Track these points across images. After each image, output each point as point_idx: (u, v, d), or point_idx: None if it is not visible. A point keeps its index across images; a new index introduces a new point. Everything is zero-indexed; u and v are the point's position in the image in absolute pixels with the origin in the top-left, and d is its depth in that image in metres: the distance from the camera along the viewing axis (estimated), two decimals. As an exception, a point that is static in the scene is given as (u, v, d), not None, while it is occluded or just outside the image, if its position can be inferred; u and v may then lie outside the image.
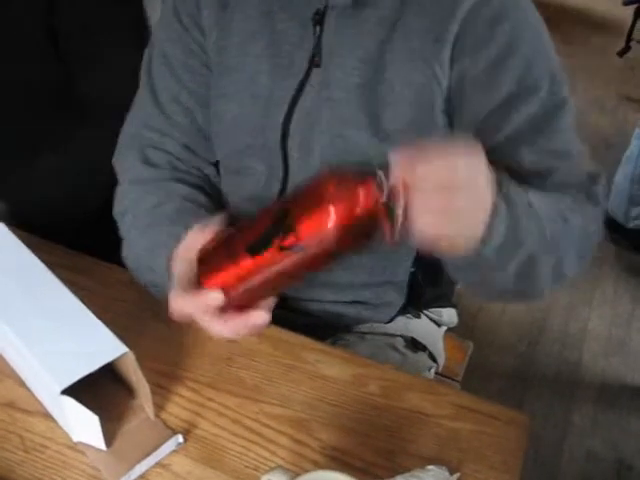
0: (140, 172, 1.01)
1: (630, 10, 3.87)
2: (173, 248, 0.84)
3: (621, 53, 3.90)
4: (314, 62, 0.93)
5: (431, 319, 1.16)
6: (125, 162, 1.05)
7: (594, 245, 0.93)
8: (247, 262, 0.72)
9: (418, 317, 1.13)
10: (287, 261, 0.69)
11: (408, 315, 1.12)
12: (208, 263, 0.76)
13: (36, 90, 1.26)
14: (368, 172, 0.68)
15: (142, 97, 1.05)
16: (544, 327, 2.27)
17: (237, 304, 0.75)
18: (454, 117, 0.92)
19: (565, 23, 4.32)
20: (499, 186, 0.74)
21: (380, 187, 0.66)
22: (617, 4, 4.08)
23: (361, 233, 0.68)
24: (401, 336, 1.11)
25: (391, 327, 1.11)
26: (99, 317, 0.84)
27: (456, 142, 0.68)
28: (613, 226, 2.63)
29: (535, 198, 0.83)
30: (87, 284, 0.97)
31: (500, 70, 0.88)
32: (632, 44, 3.87)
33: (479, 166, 0.69)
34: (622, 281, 2.48)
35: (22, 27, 1.23)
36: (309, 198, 0.68)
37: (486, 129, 0.90)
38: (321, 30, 0.92)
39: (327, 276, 1.03)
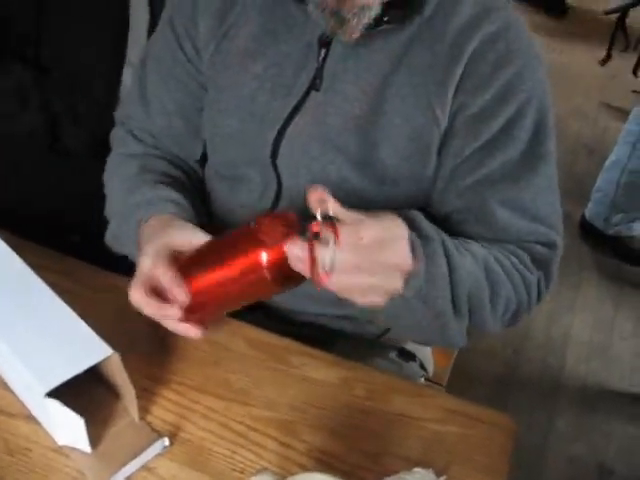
0: (129, 145, 1.05)
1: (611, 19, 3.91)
2: (146, 212, 0.90)
3: (603, 62, 3.94)
4: (314, 85, 0.92)
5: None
6: (116, 136, 1.09)
7: (524, 309, 0.94)
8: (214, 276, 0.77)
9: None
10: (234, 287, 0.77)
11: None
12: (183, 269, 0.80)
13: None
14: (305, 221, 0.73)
15: (133, 92, 1.07)
16: (527, 333, 2.28)
17: (195, 310, 0.80)
18: (441, 156, 0.92)
19: (546, 31, 4.36)
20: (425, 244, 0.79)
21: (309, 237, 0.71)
22: (598, 13, 4.13)
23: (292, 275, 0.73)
24: (392, 347, 1.11)
25: (382, 339, 1.11)
26: (85, 320, 0.83)
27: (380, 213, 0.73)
28: (592, 233, 2.64)
29: (472, 255, 0.86)
30: (72, 287, 0.96)
31: (492, 114, 0.89)
32: (613, 53, 3.90)
33: (401, 232, 0.73)
34: (603, 287, 2.50)
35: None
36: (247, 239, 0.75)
37: (462, 170, 0.91)
38: (326, 54, 0.91)
39: (314, 290, 1.02)
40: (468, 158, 0.91)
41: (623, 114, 3.48)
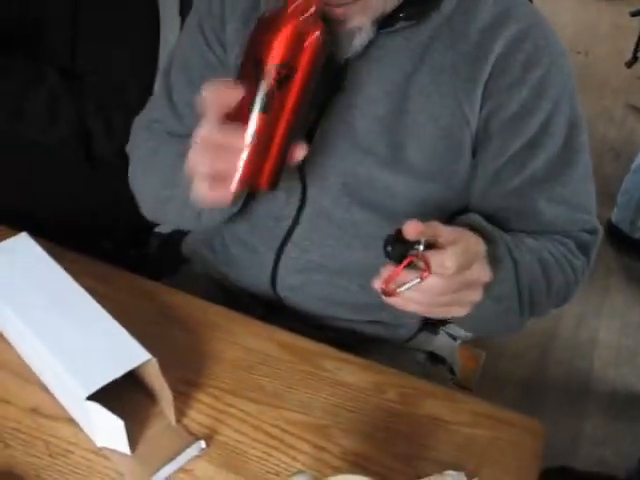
0: (163, 138, 1.05)
1: (637, 21, 3.88)
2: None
3: (629, 64, 3.91)
4: (338, 87, 0.93)
5: (448, 334, 1.17)
6: (134, 141, 1.10)
7: (572, 293, 1.00)
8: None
9: (436, 333, 1.15)
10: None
11: (426, 332, 1.13)
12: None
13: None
14: None
15: (157, 98, 1.08)
16: (554, 336, 2.27)
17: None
18: (478, 157, 0.94)
19: (572, 35, 4.34)
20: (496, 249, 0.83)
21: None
22: (624, 15, 4.10)
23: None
24: (421, 350, 1.12)
25: (411, 342, 1.12)
26: (122, 325, 0.85)
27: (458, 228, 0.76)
28: (618, 237, 2.63)
29: (528, 250, 0.91)
30: (110, 292, 0.98)
31: (528, 115, 0.90)
32: (639, 55, 3.88)
33: (480, 249, 0.78)
34: (631, 291, 2.49)
35: None
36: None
37: (506, 171, 0.93)
38: (348, 55, 0.91)
39: (345, 296, 1.04)
40: (511, 158, 0.92)
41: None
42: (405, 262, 0.72)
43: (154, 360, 0.80)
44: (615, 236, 2.64)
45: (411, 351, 1.11)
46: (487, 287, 0.79)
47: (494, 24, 0.89)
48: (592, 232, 0.99)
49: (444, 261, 0.71)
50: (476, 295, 0.78)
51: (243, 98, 0.73)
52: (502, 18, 0.90)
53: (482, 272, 0.77)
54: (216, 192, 0.76)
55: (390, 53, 0.91)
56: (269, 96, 0.73)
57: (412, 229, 0.70)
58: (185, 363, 0.93)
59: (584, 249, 0.97)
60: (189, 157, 0.76)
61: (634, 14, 3.89)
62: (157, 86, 1.09)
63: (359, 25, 0.86)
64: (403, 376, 0.94)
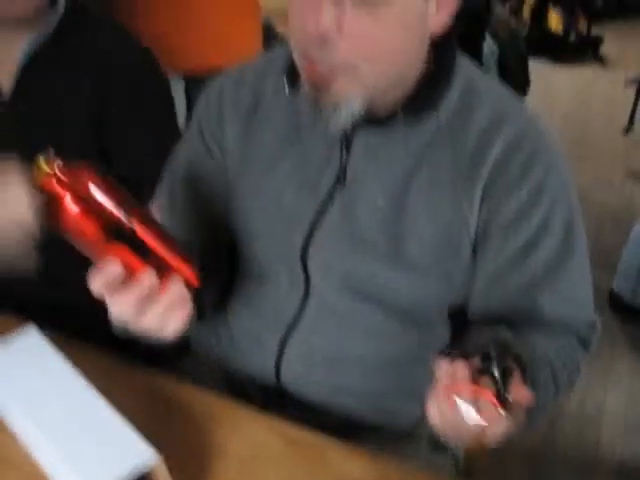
0: None
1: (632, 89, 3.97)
2: None
3: (625, 131, 3.98)
4: (339, 182, 0.96)
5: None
6: None
7: (573, 384, 1.00)
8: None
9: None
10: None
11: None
12: None
13: None
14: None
15: (164, 183, 1.11)
16: (562, 408, 2.26)
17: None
18: (478, 256, 0.95)
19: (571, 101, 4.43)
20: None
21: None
22: (619, 82, 4.19)
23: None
24: (424, 438, 1.11)
25: (416, 429, 1.11)
26: (128, 419, 0.87)
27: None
28: (620, 305, 2.63)
29: (541, 361, 0.90)
30: (116, 385, 0.98)
31: (527, 215, 0.92)
32: (635, 121, 3.95)
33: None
34: (636, 360, 2.48)
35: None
36: None
37: (506, 271, 0.94)
38: (348, 152, 0.95)
39: (348, 385, 1.05)
40: (511, 258, 0.94)
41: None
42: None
43: (161, 460, 0.81)
44: (617, 305, 2.64)
45: (413, 439, 1.11)
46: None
47: (491, 127, 0.92)
48: (591, 326, 1.00)
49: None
50: (520, 418, 0.77)
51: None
52: (499, 121, 0.92)
53: (525, 398, 0.76)
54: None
55: (389, 151, 0.94)
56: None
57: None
58: (189, 459, 0.93)
59: (584, 343, 0.99)
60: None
61: (630, 83, 3.97)
62: (164, 179, 1.11)
63: (347, 97, 0.86)
64: (407, 469, 0.94)
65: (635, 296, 2.58)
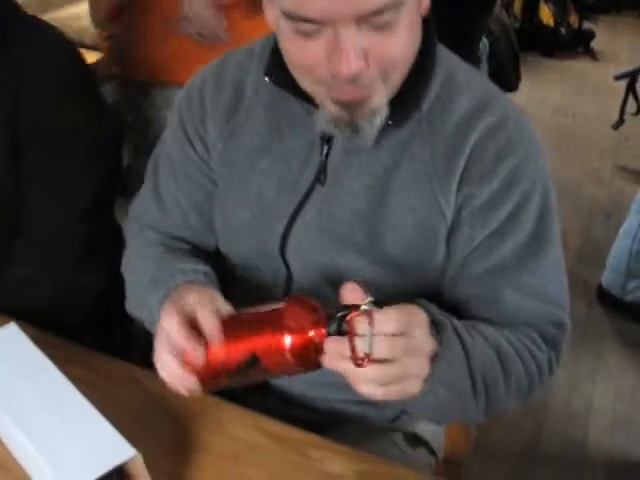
0: (147, 236, 1.09)
1: (622, 83, 3.96)
2: (179, 279, 0.94)
3: (615, 126, 3.98)
4: (319, 180, 0.96)
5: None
6: (132, 230, 1.12)
7: (536, 386, 0.97)
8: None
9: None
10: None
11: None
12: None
13: None
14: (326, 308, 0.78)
15: (146, 190, 1.10)
16: (548, 404, 2.26)
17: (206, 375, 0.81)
18: (450, 246, 0.95)
19: (561, 96, 4.43)
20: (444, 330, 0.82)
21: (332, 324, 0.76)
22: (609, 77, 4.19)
23: (314, 358, 0.78)
24: (402, 431, 1.11)
25: (396, 424, 1.12)
26: (107, 415, 0.86)
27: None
28: (610, 301, 2.64)
29: (482, 336, 0.89)
30: (96, 381, 0.99)
31: (498, 205, 0.92)
32: (625, 117, 3.95)
33: (421, 318, 0.78)
34: (625, 355, 2.48)
35: None
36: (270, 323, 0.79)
37: (473, 258, 0.94)
38: (329, 149, 0.95)
39: (333, 377, 1.04)
40: (478, 246, 0.93)
41: (639, 176, 3.51)
42: (348, 323, 0.73)
43: (139, 456, 0.80)
44: (606, 300, 2.65)
45: (390, 433, 1.10)
46: (437, 372, 0.79)
47: (469, 117, 0.92)
48: (559, 325, 0.97)
49: (385, 318, 0.72)
50: (422, 365, 0.77)
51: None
52: (478, 111, 0.92)
53: (425, 339, 0.77)
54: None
55: (371, 148, 0.93)
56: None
57: (351, 291, 0.73)
58: (171, 454, 0.93)
59: (550, 342, 0.96)
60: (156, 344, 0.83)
61: (619, 78, 3.97)
62: (146, 178, 1.10)
63: (379, 105, 0.87)
64: (387, 465, 0.93)
65: (624, 291, 2.59)
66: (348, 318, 0.73)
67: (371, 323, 0.72)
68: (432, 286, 0.98)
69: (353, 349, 0.72)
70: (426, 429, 1.15)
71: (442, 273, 0.97)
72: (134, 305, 1.05)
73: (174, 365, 0.80)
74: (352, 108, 0.86)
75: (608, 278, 2.64)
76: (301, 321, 0.77)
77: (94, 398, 0.88)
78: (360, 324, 0.72)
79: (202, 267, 0.99)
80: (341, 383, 1.04)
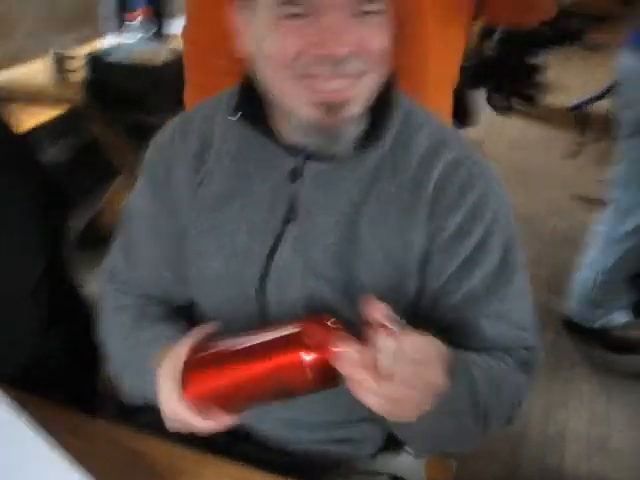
0: (118, 299, 1.10)
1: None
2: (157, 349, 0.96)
3: (573, 155, 4.07)
4: (290, 218, 0.98)
5: (410, 452, 1.18)
6: (105, 290, 1.13)
7: (516, 409, 1.00)
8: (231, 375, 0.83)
9: (399, 453, 1.15)
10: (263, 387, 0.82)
11: (390, 451, 1.14)
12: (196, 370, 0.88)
13: None
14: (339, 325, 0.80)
15: (116, 244, 1.12)
16: (524, 432, 2.27)
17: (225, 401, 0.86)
18: (424, 274, 0.98)
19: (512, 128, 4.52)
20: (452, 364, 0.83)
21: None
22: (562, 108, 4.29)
23: (331, 377, 0.78)
24: (384, 474, 1.12)
25: (375, 464, 1.12)
26: (91, 474, 0.87)
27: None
28: (575, 329, 2.66)
29: (478, 367, 0.92)
30: (77, 441, 0.97)
31: (465, 235, 0.95)
32: (582, 148, 4.04)
33: (442, 352, 0.80)
34: (596, 381, 2.51)
35: None
36: (285, 343, 0.80)
37: (445, 289, 0.97)
38: (297, 185, 0.97)
39: (310, 417, 1.05)
40: (449, 277, 0.96)
41: (597, 204, 3.58)
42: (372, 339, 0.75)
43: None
44: (571, 328, 2.67)
45: (375, 475, 1.11)
46: (444, 402, 0.81)
47: (431, 153, 0.96)
48: (530, 349, 1.01)
49: (413, 342, 0.75)
50: (426, 398, 0.79)
51: None
52: (438, 147, 0.97)
53: (437, 376, 0.79)
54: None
55: (338, 182, 0.96)
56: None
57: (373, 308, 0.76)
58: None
59: (524, 366, 1.00)
60: None
61: (573, 109, 4.07)
62: (117, 232, 1.12)
63: (355, 111, 0.91)
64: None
65: (592, 320, 2.61)
66: (374, 332, 0.75)
67: (397, 344, 0.74)
68: (408, 317, 1.00)
69: (375, 363, 0.74)
70: (407, 466, 1.16)
71: (416, 304, 0.99)
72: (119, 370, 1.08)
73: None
74: (331, 111, 0.88)
75: (573, 308, 2.65)
76: (318, 337, 0.78)
77: (75, 457, 0.89)
78: (386, 342, 0.74)
79: (173, 330, 1.02)
80: (310, 422, 1.05)
